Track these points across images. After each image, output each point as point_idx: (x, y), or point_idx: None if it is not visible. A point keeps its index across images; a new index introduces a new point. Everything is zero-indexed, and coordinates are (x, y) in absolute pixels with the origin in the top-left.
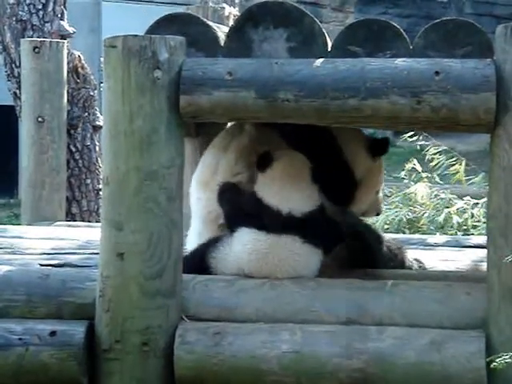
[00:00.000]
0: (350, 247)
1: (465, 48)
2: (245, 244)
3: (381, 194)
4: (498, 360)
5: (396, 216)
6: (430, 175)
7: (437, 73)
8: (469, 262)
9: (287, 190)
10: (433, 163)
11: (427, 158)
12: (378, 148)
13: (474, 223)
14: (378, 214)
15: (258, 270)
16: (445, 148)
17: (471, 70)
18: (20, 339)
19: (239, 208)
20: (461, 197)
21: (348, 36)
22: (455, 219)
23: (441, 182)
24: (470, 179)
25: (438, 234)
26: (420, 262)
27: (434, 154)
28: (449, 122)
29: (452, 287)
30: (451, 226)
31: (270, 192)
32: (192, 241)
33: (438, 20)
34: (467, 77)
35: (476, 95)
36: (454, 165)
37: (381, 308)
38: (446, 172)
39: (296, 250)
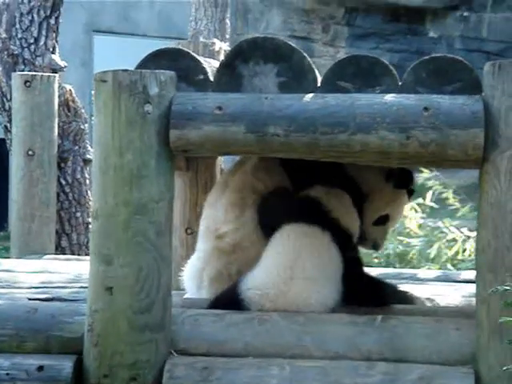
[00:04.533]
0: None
1: (453, 84)
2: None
3: (389, 230)
4: None
5: (385, 249)
6: (422, 202)
7: (426, 109)
8: (459, 297)
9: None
10: (428, 195)
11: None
12: (396, 178)
13: (464, 258)
14: (375, 248)
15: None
16: (436, 174)
17: (460, 106)
18: (7, 374)
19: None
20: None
21: (337, 72)
22: (445, 252)
23: (435, 206)
24: (459, 210)
25: (428, 267)
26: (432, 301)
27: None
28: (438, 158)
29: (441, 323)
30: (443, 261)
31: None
32: (191, 258)
33: (426, 57)
34: (456, 113)
35: (464, 131)
36: (444, 193)
37: (370, 343)
38: (436, 202)
39: (322, 243)
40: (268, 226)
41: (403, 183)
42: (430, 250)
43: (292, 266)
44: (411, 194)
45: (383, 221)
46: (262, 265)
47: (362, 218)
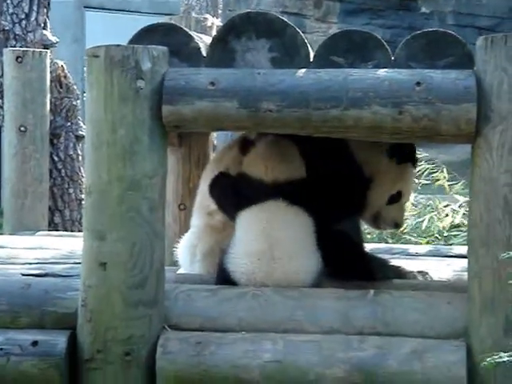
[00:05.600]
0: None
1: (446, 59)
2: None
3: (405, 205)
4: (488, 359)
5: None
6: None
7: (418, 83)
8: (450, 271)
9: (271, 162)
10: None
11: None
12: (399, 153)
13: (456, 232)
14: (397, 227)
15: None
16: (426, 155)
17: (452, 80)
18: (1, 349)
19: (231, 193)
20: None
21: (330, 46)
22: (437, 224)
23: (427, 182)
24: (452, 186)
25: (420, 240)
26: (425, 274)
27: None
28: (430, 133)
29: (433, 297)
30: (432, 235)
31: (255, 166)
32: (187, 232)
33: (419, 31)
34: (448, 87)
35: (457, 106)
36: (435, 172)
37: (363, 317)
38: (428, 181)
39: (281, 215)
40: (224, 209)
41: (407, 157)
42: (422, 222)
43: (269, 248)
44: (414, 164)
45: (397, 198)
46: (239, 250)
47: (365, 203)
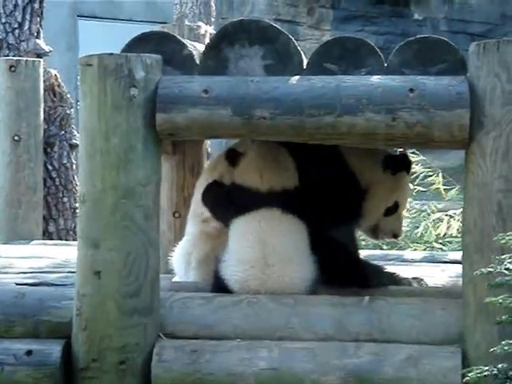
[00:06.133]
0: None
1: (439, 65)
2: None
3: (402, 215)
4: (470, 374)
5: None
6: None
7: (411, 90)
8: (445, 277)
9: (266, 171)
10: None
11: None
12: (393, 163)
13: (450, 238)
14: (396, 237)
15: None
16: (423, 158)
17: (445, 87)
18: None
19: (225, 201)
20: (441, 210)
21: (323, 53)
22: (432, 231)
23: (423, 189)
24: (447, 191)
25: (414, 247)
26: (420, 280)
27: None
28: (424, 139)
29: (428, 303)
30: (427, 241)
31: (249, 176)
32: (182, 240)
33: (411, 38)
34: (441, 94)
35: (450, 112)
36: (430, 176)
37: (358, 324)
38: (422, 184)
39: (275, 223)
40: (217, 217)
41: (400, 166)
42: (417, 229)
43: (262, 256)
44: (409, 171)
45: (393, 210)
46: (232, 257)
47: (361, 213)
